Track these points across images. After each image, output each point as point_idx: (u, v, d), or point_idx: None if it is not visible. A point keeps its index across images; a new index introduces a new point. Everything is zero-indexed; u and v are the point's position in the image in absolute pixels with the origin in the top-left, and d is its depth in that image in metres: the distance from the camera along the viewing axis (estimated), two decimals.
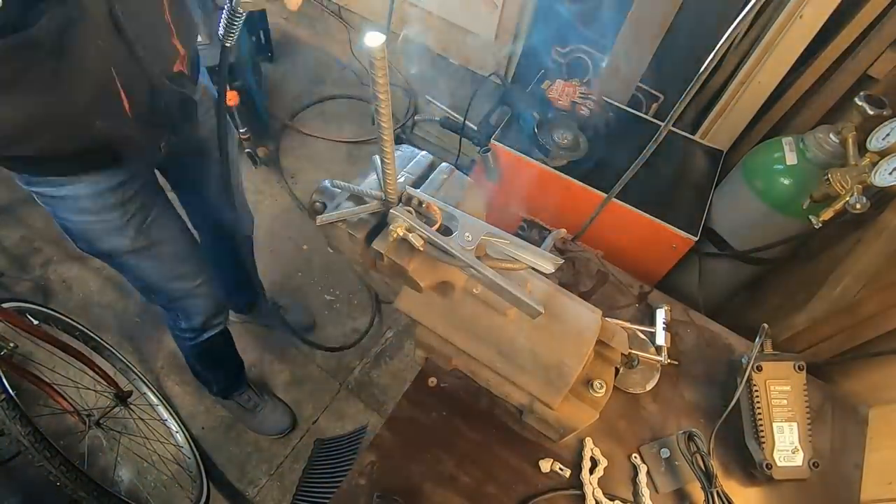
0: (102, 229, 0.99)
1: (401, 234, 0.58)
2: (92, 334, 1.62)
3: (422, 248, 0.58)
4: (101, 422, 1.47)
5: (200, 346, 1.39)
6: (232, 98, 2.02)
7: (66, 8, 0.66)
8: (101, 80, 0.78)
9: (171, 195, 1.21)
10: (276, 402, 1.79)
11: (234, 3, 0.75)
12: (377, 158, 0.56)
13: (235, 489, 1.69)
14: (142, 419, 1.63)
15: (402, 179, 0.65)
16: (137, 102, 0.85)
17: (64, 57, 0.70)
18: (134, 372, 1.71)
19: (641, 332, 1.01)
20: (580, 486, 0.88)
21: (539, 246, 0.61)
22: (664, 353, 0.98)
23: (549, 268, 0.59)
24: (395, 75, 2.64)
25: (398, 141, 2.39)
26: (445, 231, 0.60)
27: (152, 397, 1.72)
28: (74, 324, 1.58)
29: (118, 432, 1.59)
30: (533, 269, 0.61)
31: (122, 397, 1.51)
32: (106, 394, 1.52)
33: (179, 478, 1.63)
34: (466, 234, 0.59)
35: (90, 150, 0.88)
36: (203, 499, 1.57)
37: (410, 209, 0.60)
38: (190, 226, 1.41)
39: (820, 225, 1.24)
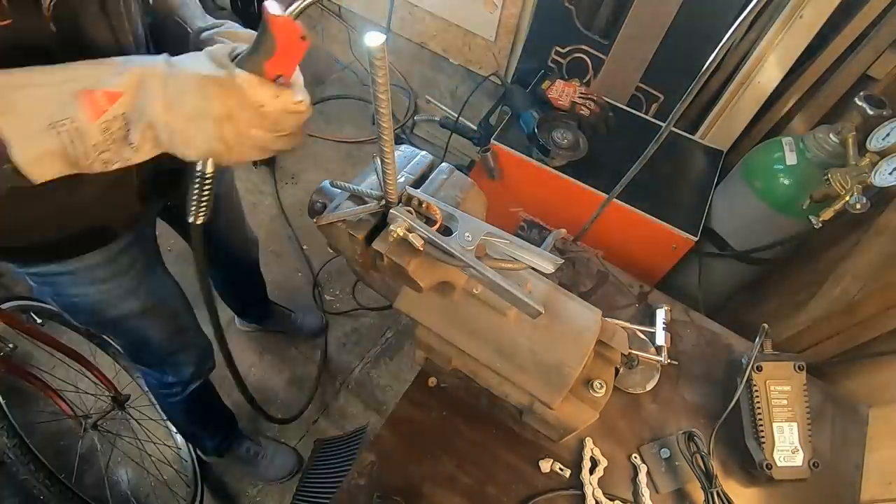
0: (116, 295, 0.92)
1: (401, 234, 0.57)
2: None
3: (421, 248, 0.58)
4: (97, 425, 1.46)
5: (189, 399, 1.30)
6: None
7: None
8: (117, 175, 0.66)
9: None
10: (277, 445, 1.70)
11: (203, 168, 0.58)
12: (377, 159, 0.56)
13: (230, 494, 1.68)
14: (139, 422, 1.63)
15: (402, 179, 0.65)
16: (145, 182, 0.82)
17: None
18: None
19: (641, 332, 1.01)
20: (580, 486, 0.88)
21: (539, 246, 0.61)
22: (664, 353, 0.97)
23: (549, 268, 0.59)
24: (395, 75, 2.64)
25: (398, 141, 2.39)
26: (445, 231, 0.60)
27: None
28: None
29: (115, 434, 1.59)
30: (533, 269, 0.61)
31: (119, 401, 1.50)
32: (103, 397, 1.51)
33: (174, 482, 1.62)
34: (466, 233, 0.59)
35: (95, 228, 0.81)
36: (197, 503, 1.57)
37: (411, 209, 0.60)
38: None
39: (820, 225, 1.24)
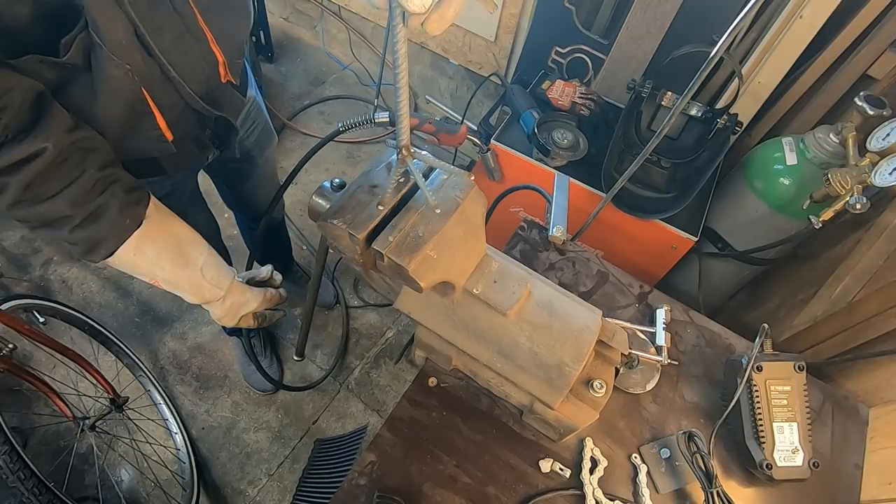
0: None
1: None
2: (101, 328, 1.61)
3: None
4: (95, 426, 1.46)
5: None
6: None
7: (89, 32, 0.63)
8: (132, 102, 0.73)
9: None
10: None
11: None
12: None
13: (227, 495, 1.68)
14: (136, 424, 1.62)
15: (402, 180, 0.65)
16: (175, 124, 0.81)
17: (93, 78, 0.67)
18: (141, 368, 1.70)
19: (641, 332, 1.01)
20: (580, 486, 0.88)
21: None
22: (664, 353, 0.97)
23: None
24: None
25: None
26: None
27: (157, 395, 1.71)
28: (84, 318, 1.57)
29: (112, 435, 1.58)
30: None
31: (117, 403, 1.50)
32: (102, 399, 1.51)
33: (171, 485, 1.62)
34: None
35: (128, 163, 0.80)
36: None
37: None
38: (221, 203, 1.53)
39: (820, 225, 1.24)
